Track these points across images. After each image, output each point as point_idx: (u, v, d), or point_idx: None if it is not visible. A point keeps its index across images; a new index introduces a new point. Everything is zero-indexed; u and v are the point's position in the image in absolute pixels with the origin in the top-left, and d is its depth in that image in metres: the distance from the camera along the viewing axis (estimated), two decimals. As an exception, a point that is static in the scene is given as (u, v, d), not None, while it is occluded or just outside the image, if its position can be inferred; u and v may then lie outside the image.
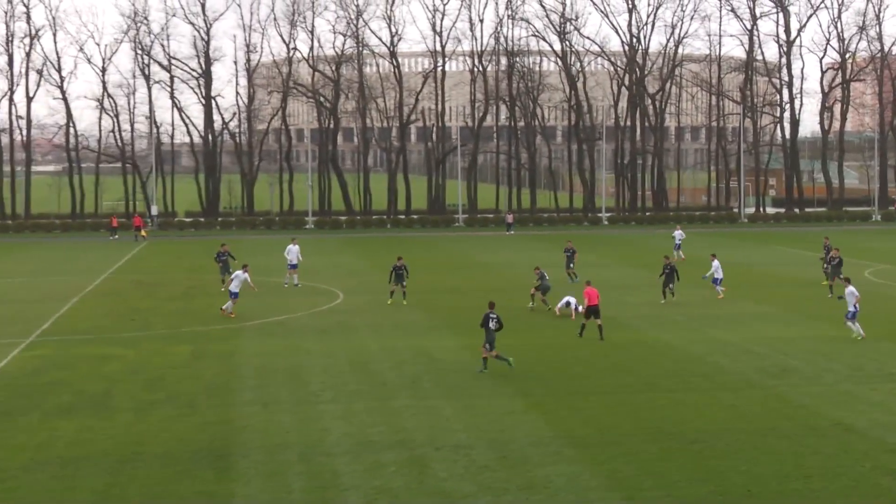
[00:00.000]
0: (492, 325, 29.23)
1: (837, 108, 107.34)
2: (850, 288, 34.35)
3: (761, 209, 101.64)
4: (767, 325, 37.08)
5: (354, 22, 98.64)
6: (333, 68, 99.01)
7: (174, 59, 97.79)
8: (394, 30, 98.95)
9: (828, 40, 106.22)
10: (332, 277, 51.69)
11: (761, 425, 23.73)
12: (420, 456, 21.57)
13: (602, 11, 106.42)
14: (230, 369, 30.11)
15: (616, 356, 31.75)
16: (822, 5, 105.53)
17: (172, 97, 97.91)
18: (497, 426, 23.74)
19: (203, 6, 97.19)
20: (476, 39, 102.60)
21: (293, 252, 48.22)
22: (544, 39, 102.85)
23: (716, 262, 44.44)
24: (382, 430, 23.49)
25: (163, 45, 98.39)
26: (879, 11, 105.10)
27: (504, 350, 29.94)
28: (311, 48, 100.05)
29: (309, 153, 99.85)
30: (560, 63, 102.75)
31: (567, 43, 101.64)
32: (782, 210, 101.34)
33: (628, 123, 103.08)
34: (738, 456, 21.44)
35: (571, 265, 50.05)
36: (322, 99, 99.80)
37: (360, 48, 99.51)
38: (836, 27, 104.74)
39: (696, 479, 20.05)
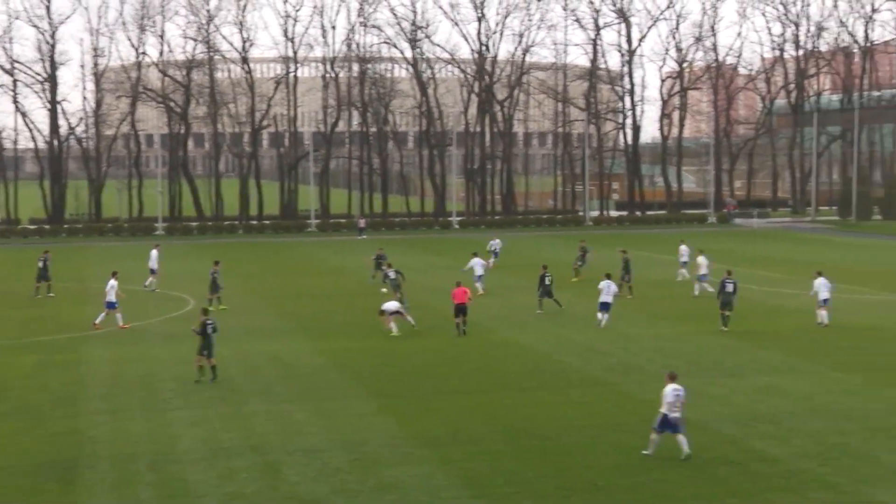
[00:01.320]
0: (209, 330, 28.32)
1: (676, 115, 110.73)
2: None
3: (605, 212, 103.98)
4: (612, 324, 37.88)
5: (206, 27, 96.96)
6: (184, 73, 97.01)
7: (17, 62, 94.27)
8: (245, 35, 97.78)
9: (667, 50, 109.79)
10: (183, 284, 50.59)
11: (608, 421, 24.24)
12: (273, 461, 21.26)
13: (452, 20, 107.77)
14: (78, 379, 29.12)
15: (470, 357, 31.96)
16: (662, 17, 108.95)
17: (15, 101, 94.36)
18: (350, 428, 23.60)
19: (48, 9, 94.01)
20: (328, 46, 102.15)
21: (153, 257, 48.23)
22: (395, 47, 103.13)
23: (701, 258, 46.31)
24: (235, 436, 23.08)
25: (4, 48, 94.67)
26: (714, 23, 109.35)
27: (356, 352, 29.80)
28: (161, 53, 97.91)
29: (159, 158, 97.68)
30: (411, 70, 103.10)
31: (418, 50, 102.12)
32: (625, 213, 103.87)
33: (478, 129, 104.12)
34: (586, 451, 21.84)
35: (580, 263, 51.24)
36: (172, 104, 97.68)
37: (212, 53, 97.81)
38: (674, 38, 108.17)
39: (547, 474, 20.34)
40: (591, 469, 20.69)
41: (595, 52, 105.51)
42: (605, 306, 37.55)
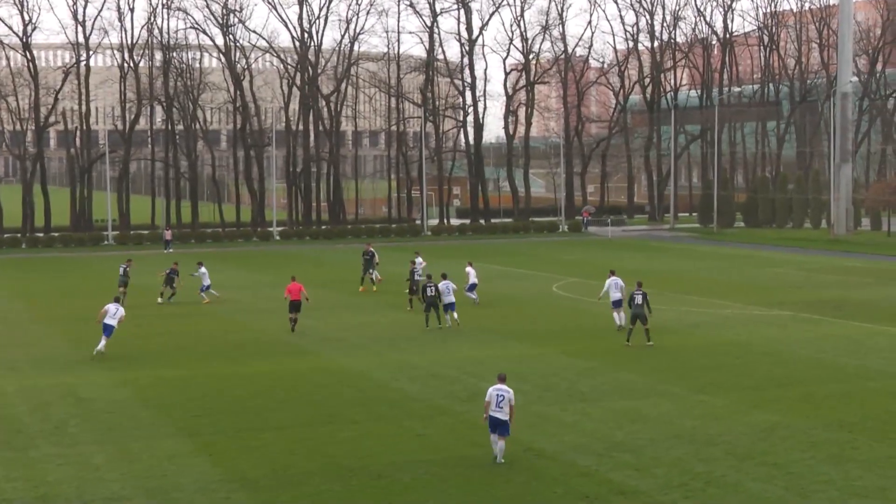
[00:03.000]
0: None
1: (522, 112, 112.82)
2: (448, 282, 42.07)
3: (445, 220, 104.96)
4: (457, 346, 38.30)
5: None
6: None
7: None
8: (27, 17, 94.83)
9: (511, 40, 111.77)
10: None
11: (451, 454, 24.46)
12: (67, 513, 20.70)
13: (270, 3, 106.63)
14: None
15: (295, 386, 31.79)
16: (505, 3, 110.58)
17: None
18: (158, 472, 23.15)
19: None
20: (126, 31, 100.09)
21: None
22: (205, 32, 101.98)
23: (470, 269, 49.07)
24: (19, 485, 22.34)
25: None
26: (562, 11, 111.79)
27: (165, 384, 29.27)
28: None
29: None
30: (223, 59, 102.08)
31: (230, 37, 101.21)
32: (467, 221, 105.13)
33: (301, 127, 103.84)
34: (427, 489, 21.99)
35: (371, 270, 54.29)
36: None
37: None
38: (519, 26, 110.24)
39: (384, 517, 20.39)
40: (434, 509, 20.86)
41: (432, 41, 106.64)
42: (618, 304, 41.11)
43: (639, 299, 37.84)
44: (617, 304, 41.59)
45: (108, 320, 36.48)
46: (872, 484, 22.24)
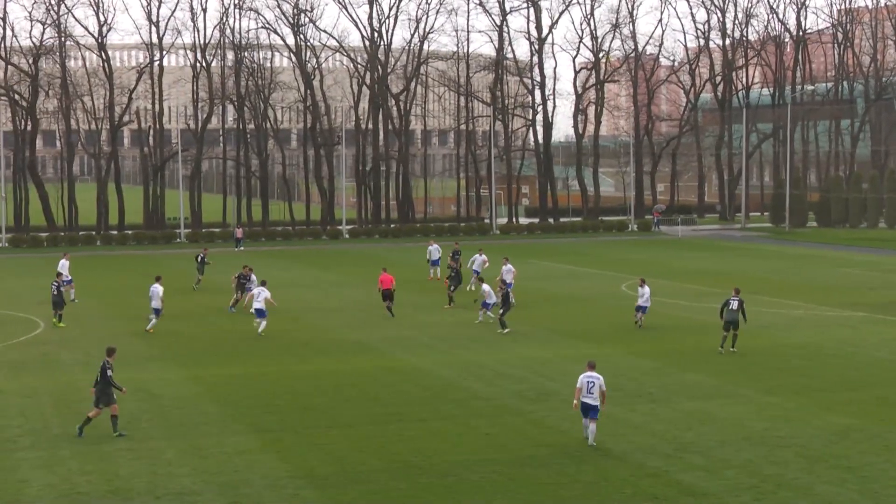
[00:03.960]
0: (109, 374, 26.25)
1: (592, 111, 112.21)
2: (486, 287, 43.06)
3: (514, 219, 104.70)
4: (524, 345, 38.23)
5: (56, 8, 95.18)
6: (30, 61, 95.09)
7: None
8: (103, 18, 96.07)
9: (580, 38, 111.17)
10: (31, 304, 49.53)
11: (518, 454, 24.41)
12: (138, 507, 20.96)
13: (340, 2, 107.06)
14: None
15: (362, 384, 31.92)
16: (575, 1, 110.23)
17: None
18: (228, 468, 23.36)
19: None
20: (198, 31, 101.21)
21: (65, 266, 50.11)
22: (276, 32, 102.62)
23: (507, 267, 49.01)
24: (93, 478, 22.66)
25: None
26: (633, 9, 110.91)
27: (233, 381, 29.60)
28: (3, 37, 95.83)
29: (1, 159, 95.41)
30: (294, 59, 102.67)
31: (301, 36, 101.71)
32: (536, 220, 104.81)
33: (370, 126, 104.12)
34: (494, 488, 21.96)
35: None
36: (17, 97, 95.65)
37: (63, 38, 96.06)
38: (588, 24, 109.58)
39: (450, 516, 20.41)
40: (500, 509, 20.84)
41: (501, 39, 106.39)
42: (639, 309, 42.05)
43: (734, 305, 37.29)
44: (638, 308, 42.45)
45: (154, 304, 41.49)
46: (947, 489, 21.85)
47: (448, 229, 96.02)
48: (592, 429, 24.89)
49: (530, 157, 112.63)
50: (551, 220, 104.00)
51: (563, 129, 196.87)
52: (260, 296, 41.05)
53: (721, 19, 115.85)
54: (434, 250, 60.03)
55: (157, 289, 41.98)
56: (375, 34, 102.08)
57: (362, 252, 79.78)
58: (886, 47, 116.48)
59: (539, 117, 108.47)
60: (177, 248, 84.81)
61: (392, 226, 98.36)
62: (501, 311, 41.27)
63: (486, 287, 43.43)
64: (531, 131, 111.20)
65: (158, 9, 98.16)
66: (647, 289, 42.05)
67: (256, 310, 40.89)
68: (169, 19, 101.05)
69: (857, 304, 48.78)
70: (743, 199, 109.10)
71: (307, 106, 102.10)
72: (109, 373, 26.28)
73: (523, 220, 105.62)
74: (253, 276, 47.55)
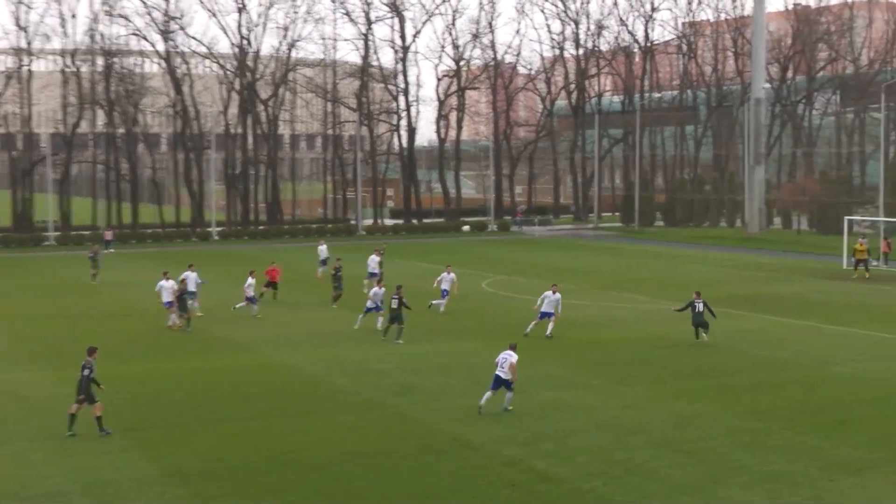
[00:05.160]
0: (87, 373, 25.55)
1: (453, 117, 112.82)
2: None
3: (379, 221, 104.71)
4: (389, 342, 38.07)
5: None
6: None
7: None
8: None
9: (443, 47, 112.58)
10: None
11: (382, 447, 24.30)
12: (4, 508, 20.24)
13: (209, 10, 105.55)
14: None
15: (232, 382, 31.43)
16: (437, 12, 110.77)
17: None
18: (95, 468, 22.72)
19: None
20: (68, 36, 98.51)
21: (191, 279, 44.54)
22: (146, 39, 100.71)
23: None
24: (-42, 482, 21.82)
25: None
26: (492, 20, 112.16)
27: (102, 381, 28.80)
28: None
29: None
30: (164, 65, 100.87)
31: (171, 43, 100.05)
32: (400, 221, 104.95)
33: (239, 131, 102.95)
34: (359, 481, 21.81)
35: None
36: None
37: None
38: (450, 34, 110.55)
39: (316, 508, 20.19)
40: (364, 499, 20.68)
41: (367, 48, 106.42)
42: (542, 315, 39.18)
43: (700, 307, 37.55)
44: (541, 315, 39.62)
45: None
46: (783, 469, 22.45)
47: (315, 230, 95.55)
48: (508, 396, 27.30)
49: (395, 160, 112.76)
50: (415, 221, 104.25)
51: (426, 133, 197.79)
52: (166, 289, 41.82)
53: (575, 30, 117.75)
54: (323, 250, 59.44)
55: (166, 284, 41.99)
56: (244, 41, 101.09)
57: (231, 253, 78.68)
58: (726, 58, 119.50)
59: (403, 122, 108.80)
60: (46, 250, 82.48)
61: (261, 227, 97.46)
62: (391, 323, 38.36)
63: (376, 290, 40.72)
64: (396, 136, 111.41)
65: (27, 14, 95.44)
66: (557, 295, 39.30)
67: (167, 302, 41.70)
68: (38, 25, 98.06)
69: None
70: (595, 200, 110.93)
71: (177, 111, 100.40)
72: (87, 372, 25.46)
73: (388, 222, 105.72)
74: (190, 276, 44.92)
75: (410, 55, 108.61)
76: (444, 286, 45.85)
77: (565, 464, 22.90)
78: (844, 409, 27.94)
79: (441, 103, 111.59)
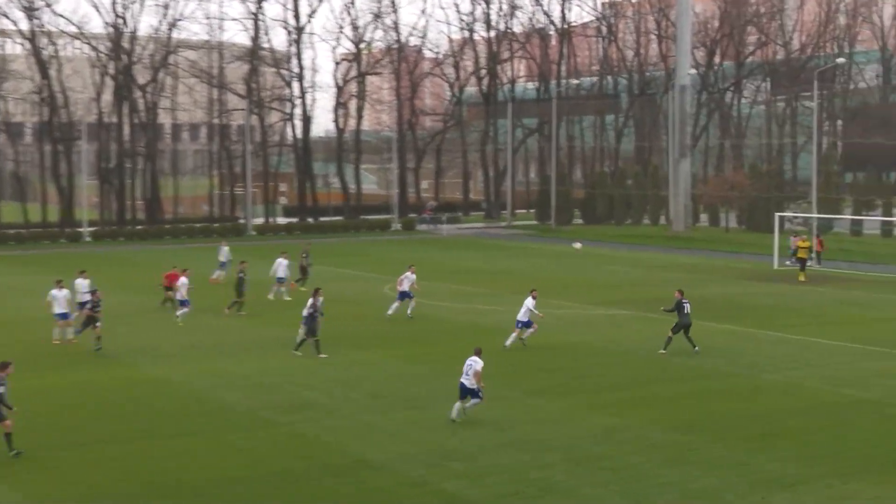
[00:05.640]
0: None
1: (353, 105, 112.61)
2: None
3: (271, 219, 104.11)
4: (282, 352, 37.84)
5: None
6: None
7: None
8: None
9: (341, 28, 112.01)
10: None
11: (275, 469, 24.16)
12: None
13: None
14: None
15: (104, 400, 30.99)
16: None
17: None
18: (-50, 497, 22.25)
19: None
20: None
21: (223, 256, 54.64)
22: (6, 17, 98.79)
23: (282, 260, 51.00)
24: None
25: None
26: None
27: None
28: None
29: None
30: (28, 46, 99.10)
31: (36, 21, 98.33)
32: (295, 219, 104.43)
33: (114, 120, 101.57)
34: (248, 506, 21.69)
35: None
36: None
37: None
38: (349, 14, 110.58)
39: (200, 538, 20.01)
40: (255, 528, 20.58)
41: (257, 28, 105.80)
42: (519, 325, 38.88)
43: (688, 308, 37.78)
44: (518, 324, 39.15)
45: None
46: (710, 485, 22.83)
47: (200, 230, 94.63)
48: (471, 404, 28.00)
49: (288, 152, 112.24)
50: (311, 220, 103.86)
51: (322, 123, 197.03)
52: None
53: (486, 10, 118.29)
54: (224, 252, 58.69)
55: (59, 293, 40.42)
56: (119, 20, 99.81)
57: (106, 255, 77.47)
58: (649, 42, 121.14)
59: (297, 111, 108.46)
60: None
61: (139, 227, 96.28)
62: (306, 336, 37.51)
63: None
64: (289, 125, 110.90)
65: None
66: (529, 300, 38.72)
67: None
68: None
69: (622, 302, 50.50)
70: (509, 195, 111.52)
71: (43, 97, 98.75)
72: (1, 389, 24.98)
73: (281, 220, 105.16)
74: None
75: (305, 37, 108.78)
76: (404, 287, 45.92)
77: (476, 484, 23.00)
78: (775, 419, 28.50)
79: (339, 90, 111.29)
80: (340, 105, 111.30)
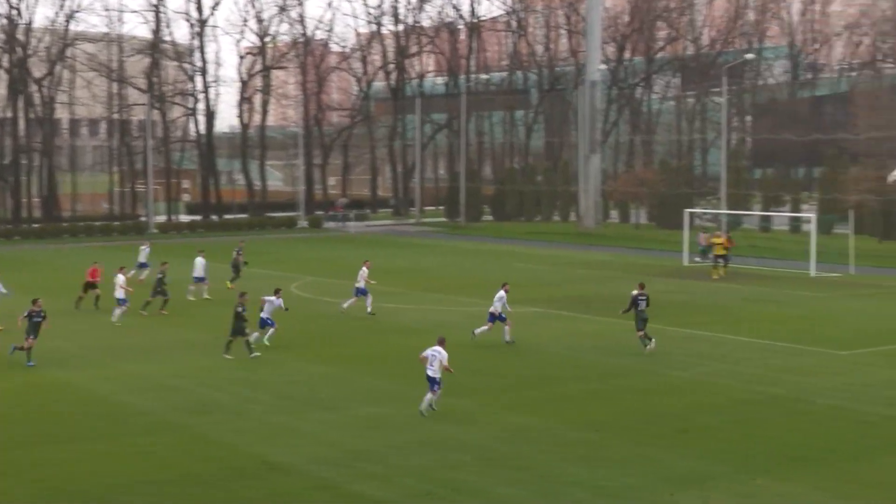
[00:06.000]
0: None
1: (258, 100, 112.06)
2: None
3: (174, 217, 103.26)
4: (187, 354, 37.71)
5: None
6: None
7: None
8: None
9: (245, 21, 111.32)
10: None
11: (181, 472, 24.09)
12: None
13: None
14: None
15: (2, 404, 30.59)
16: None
17: None
18: None
19: None
20: None
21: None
22: None
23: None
24: None
25: None
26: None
27: None
28: None
29: None
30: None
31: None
32: (198, 217, 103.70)
33: (9, 115, 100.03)
34: (154, 511, 21.63)
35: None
36: None
37: None
38: (254, 6, 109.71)
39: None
40: (162, 533, 20.55)
41: (158, 21, 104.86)
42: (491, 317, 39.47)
43: (643, 304, 38.01)
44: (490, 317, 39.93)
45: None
46: (621, 483, 23.22)
47: (100, 229, 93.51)
48: (428, 398, 28.67)
49: (191, 148, 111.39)
50: (215, 217, 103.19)
51: (227, 118, 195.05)
52: None
53: (394, 4, 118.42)
54: (145, 251, 57.92)
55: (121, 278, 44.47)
56: (13, 11, 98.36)
57: (1, 255, 76.26)
58: (559, 37, 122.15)
59: (201, 106, 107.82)
60: None
61: (35, 226, 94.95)
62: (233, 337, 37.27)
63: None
64: (192, 121, 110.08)
65: None
66: (501, 293, 39.68)
67: None
68: None
69: (533, 300, 50.91)
70: (417, 192, 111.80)
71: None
72: None
73: (184, 218, 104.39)
74: None
75: (208, 29, 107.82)
76: (359, 283, 46.55)
77: (387, 486, 23.15)
78: (685, 417, 29.04)
79: (244, 84, 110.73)
80: (245, 100, 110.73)
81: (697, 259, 66.44)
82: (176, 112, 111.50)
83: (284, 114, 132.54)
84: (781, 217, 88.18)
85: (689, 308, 49.40)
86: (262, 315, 38.81)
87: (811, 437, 27.00)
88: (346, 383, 33.09)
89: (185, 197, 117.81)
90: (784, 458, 25.22)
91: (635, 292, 38.50)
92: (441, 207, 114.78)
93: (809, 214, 76.56)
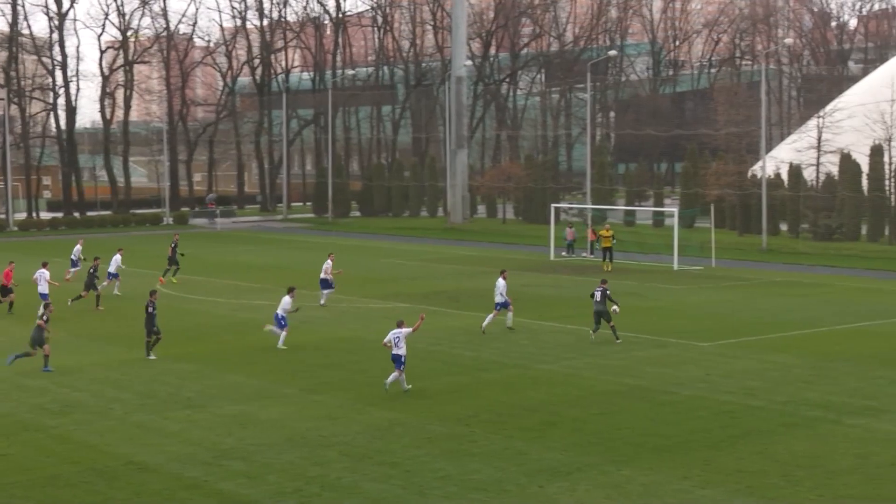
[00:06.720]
0: None
1: (120, 95, 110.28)
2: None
3: (34, 214, 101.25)
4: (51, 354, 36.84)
5: None
6: None
7: None
8: None
9: (106, 14, 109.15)
10: None
11: (41, 475, 23.56)
12: None
13: None
14: None
15: None
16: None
17: None
18: None
19: None
20: None
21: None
22: None
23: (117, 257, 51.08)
24: None
25: None
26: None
27: None
28: None
29: None
30: None
31: None
32: (60, 214, 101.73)
33: None
34: (13, 515, 21.09)
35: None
36: None
37: None
38: (115, 0, 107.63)
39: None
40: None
41: (15, 13, 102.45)
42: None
43: (598, 296, 38.19)
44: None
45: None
46: (490, 476, 23.32)
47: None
48: (394, 376, 30.46)
49: (52, 144, 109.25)
50: (77, 215, 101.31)
51: (88, 113, 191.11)
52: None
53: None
54: (77, 250, 56.27)
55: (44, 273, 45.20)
56: None
57: None
58: (425, 32, 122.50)
59: (61, 101, 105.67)
60: None
61: None
62: (149, 334, 36.36)
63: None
64: (52, 116, 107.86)
65: None
66: (500, 281, 41.09)
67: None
68: None
69: (401, 295, 51.01)
70: (284, 188, 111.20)
71: None
72: None
73: (45, 215, 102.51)
74: None
75: (68, 22, 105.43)
76: (325, 276, 47.13)
77: (255, 483, 22.93)
78: (551, 409, 29.29)
79: (105, 79, 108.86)
80: (107, 95, 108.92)
81: (564, 253, 67.14)
82: (36, 107, 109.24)
83: (148, 109, 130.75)
84: (645, 211, 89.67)
85: (554, 301, 49.92)
86: (278, 312, 38.44)
87: (674, 427, 27.42)
88: (208, 381, 32.71)
89: (46, 194, 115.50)
90: (649, 448, 25.58)
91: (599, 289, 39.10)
92: (309, 203, 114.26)
93: (672, 209, 77.97)
